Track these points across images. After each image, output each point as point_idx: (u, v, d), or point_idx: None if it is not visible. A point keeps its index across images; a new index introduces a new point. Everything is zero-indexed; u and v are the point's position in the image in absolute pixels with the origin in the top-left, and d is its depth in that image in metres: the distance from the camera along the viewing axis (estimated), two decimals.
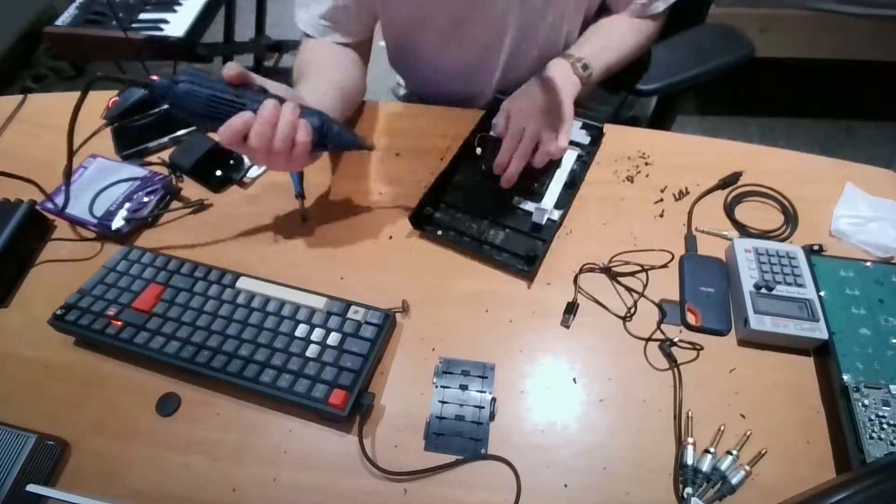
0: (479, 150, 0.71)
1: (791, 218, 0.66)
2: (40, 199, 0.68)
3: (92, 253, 0.67)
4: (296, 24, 0.73)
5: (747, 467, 0.49)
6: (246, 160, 0.74)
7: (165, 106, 0.79)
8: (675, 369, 0.55)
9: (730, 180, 0.69)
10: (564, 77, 0.71)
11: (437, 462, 0.50)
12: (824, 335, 0.54)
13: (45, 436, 0.51)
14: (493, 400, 0.54)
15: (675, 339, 0.56)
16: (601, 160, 0.73)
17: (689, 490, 0.48)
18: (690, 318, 0.58)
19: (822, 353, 0.55)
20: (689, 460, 0.49)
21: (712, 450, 0.50)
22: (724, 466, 0.49)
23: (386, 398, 0.55)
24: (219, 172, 0.72)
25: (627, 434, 0.52)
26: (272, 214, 0.70)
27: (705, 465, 0.49)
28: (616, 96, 0.95)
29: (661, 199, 0.69)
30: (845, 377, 0.52)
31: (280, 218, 0.69)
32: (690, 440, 0.50)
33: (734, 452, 0.49)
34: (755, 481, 0.49)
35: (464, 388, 0.54)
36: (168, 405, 0.54)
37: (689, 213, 0.67)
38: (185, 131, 0.78)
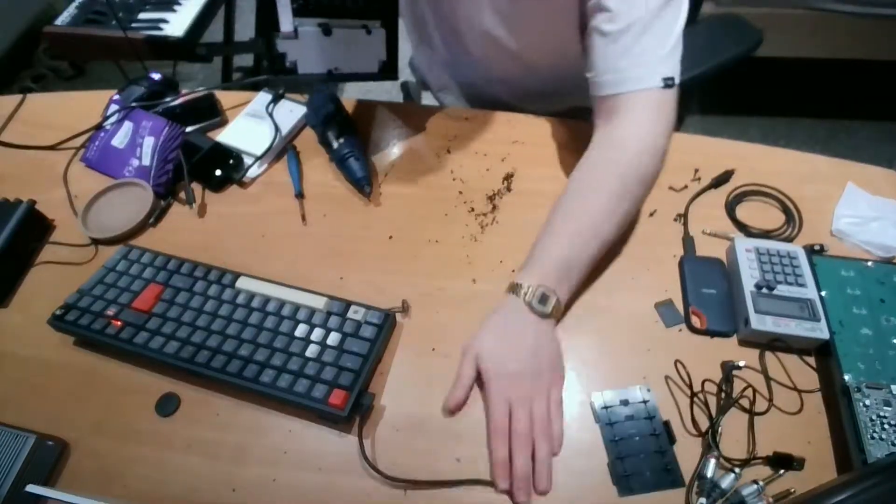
0: None
1: (792, 218, 0.66)
2: (40, 199, 0.68)
3: (91, 253, 0.67)
4: None
5: (771, 500, 0.46)
6: (246, 160, 0.74)
7: (169, 99, 0.79)
8: (677, 368, 0.55)
9: (722, 179, 0.69)
10: (528, 326, 0.53)
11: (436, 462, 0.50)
12: (825, 335, 0.54)
13: (44, 436, 0.51)
14: None
15: (741, 364, 0.53)
16: None
17: (702, 500, 0.46)
18: (695, 322, 0.57)
19: (823, 352, 0.55)
20: (710, 473, 0.47)
21: (737, 471, 0.48)
22: (745, 492, 0.46)
23: (386, 398, 0.55)
24: (219, 172, 0.72)
25: None
26: (272, 214, 0.69)
27: (725, 483, 0.47)
28: None
29: (661, 199, 0.69)
30: (846, 377, 0.52)
31: (280, 218, 0.69)
32: (713, 454, 0.48)
33: (760, 483, 0.47)
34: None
35: None
36: (168, 405, 0.54)
37: (685, 214, 0.67)
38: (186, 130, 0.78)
